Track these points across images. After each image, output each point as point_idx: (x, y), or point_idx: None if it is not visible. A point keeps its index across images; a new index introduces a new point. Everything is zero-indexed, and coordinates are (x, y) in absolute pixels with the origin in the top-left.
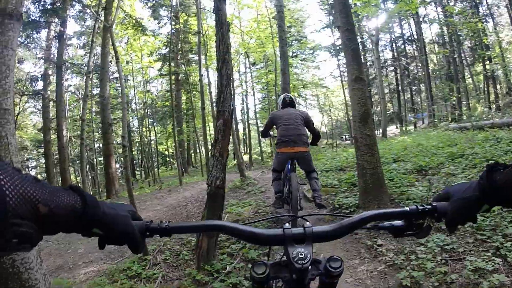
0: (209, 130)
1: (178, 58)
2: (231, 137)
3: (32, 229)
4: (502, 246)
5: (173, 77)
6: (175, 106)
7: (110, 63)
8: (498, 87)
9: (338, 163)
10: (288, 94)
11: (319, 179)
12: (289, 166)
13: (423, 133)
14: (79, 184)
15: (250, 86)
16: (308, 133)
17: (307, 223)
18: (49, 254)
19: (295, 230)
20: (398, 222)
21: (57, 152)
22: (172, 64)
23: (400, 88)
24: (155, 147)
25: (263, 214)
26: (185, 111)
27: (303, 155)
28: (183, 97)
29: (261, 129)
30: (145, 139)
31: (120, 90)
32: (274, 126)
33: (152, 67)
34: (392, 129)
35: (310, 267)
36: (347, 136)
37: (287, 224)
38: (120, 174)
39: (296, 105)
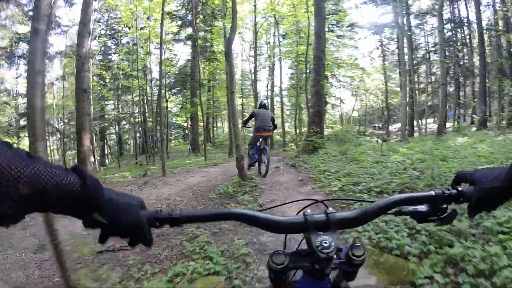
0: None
1: (197, 22)
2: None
3: (11, 208)
4: None
5: (189, 43)
6: (189, 75)
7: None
8: None
9: (394, 178)
10: (263, 100)
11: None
12: (259, 143)
13: (482, 135)
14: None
15: (277, 58)
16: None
17: (330, 209)
18: None
19: (318, 216)
20: (423, 207)
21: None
22: (190, 28)
23: (447, 78)
24: (170, 119)
25: None
26: (201, 81)
27: (268, 136)
28: (202, 66)
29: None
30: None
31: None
32: (253, 118)
33: (168, 33)
34: (429, 123)
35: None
36: (379, 125)
37: (308, 211)
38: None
39: (328, 85)
